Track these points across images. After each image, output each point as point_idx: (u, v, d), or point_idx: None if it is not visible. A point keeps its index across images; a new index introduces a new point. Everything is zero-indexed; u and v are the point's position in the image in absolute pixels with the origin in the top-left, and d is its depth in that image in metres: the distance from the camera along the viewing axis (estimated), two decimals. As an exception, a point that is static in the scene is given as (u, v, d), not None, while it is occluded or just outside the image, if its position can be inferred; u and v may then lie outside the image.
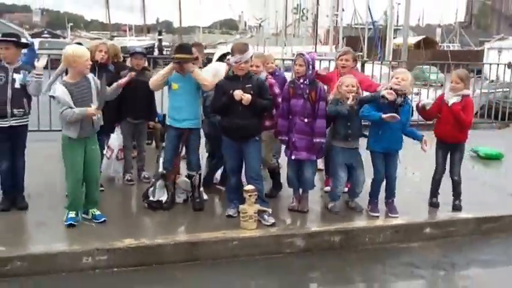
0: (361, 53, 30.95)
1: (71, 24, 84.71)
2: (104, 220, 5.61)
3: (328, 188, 6.80)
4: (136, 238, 5.27)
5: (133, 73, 6.27)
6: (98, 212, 5.65)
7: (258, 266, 5.31)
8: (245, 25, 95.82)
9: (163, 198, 6.08)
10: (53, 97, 5.38)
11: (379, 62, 15.80)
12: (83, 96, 5.37)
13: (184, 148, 6.29)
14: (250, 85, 5.71)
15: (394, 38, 30.35)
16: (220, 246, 5.40)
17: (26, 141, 6.00)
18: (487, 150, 9.22)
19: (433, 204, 6.55)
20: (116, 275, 5.00)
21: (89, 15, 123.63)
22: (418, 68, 21.62)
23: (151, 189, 6.14)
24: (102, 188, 6.50)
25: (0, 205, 5.89)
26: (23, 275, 4.81)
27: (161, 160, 6.27)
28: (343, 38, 44.49)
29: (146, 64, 7.30)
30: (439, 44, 50.94)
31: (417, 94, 12.93)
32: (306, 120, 6.00)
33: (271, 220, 5.80)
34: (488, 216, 6.40)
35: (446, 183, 6.62)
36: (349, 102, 5.89)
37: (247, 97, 5.56)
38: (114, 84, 5.84)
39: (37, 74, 5.66)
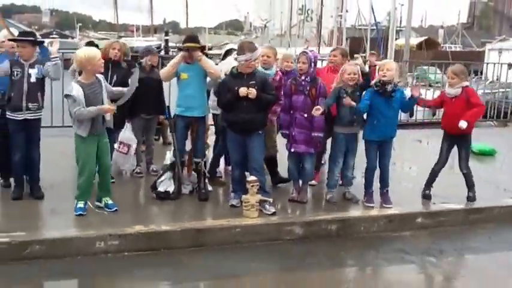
0: (363, 54, 31.18)
1: (80, 24, 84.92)
2: (116, 209, 5.94)
3: (315, 182, 7.15)
4: (146, 225, 5.60)
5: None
6: (110, 202, 5.98)
7: (259, 251, 5.62)
8: (250, 26, 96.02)
9: (171, 189, 6.41)
10: (68, 96, 5.67)
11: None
12: (95, 96, 5.70)
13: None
14: (253, 82, 6.01)
15: (396, 39, 30.52)
16: (225, 233, 5.73)
17: (39, 134, 6.34)
18: (481, 147, 9.50)
19: (426, 196, 6.85)
20: (126, 259, 5.31)
21: (97, 16, 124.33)
22: (419, 68, 21.87)
23: (159, 180, 6.47)
24: (113, 180, 6.83)
25: (12, 194, 6.24)
26: (41, 258, 5.13)
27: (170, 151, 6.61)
28: (346, 39, 44.70)
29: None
30: (441, 45, 51.05)
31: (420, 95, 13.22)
32: (305, 115, 6.30)
33: (272, 209, 6.11)
34: (476, 208, 6.72)
35: (442, 176, 6.96)
36: (334, 84, 6.37)
37: (253, 91, 5.86)
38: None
39: (53, 57, 6.04)
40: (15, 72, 5.98)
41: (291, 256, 5.57)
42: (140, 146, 7.48)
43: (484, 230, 6.50)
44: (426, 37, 48.39)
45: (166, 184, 6.44)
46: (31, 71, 6.02)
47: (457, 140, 6.68)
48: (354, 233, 6.16)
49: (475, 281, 5.27)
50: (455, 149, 6.83)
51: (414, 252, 5.74)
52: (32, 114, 6.08)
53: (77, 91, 5.60)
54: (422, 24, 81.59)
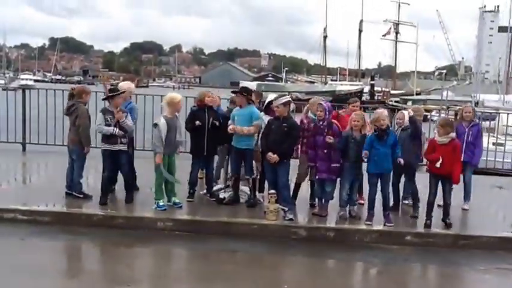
0: None
1: (287, 68, 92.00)
2: (181, 206, 8.89)
3: (362, 201, 9.32)
4: (193, 216, 8.50)
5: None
6: (177, 200, 8.94)
7: (267, 241, 8.11)
8: (465, 71, 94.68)
9: (225, 195, 9.22)
10: (156, 125, 8.77)
11: None
12: (173, 128, 8.73)
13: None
14: (285, 124, 8.57)
15: None
16: (245, 227, 8.36)
17: (127, 160, 9.19)
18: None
19: (426, 225, 8.56)
20: (176, 235, 8.23)
21: (311, 60, 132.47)
22: None
23: (220, 191, 9.37)
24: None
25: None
26: (123, 228, 8.31)
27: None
28: None
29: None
30: None
31: None
32: (325, 151, 8.65)
33: (290, 216, 8.53)
34: (464, 234, 8.39)
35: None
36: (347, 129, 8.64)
37: (273, 158, 8.44)
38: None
39: (122, 121, 8.77)
40: (108, 119, 8.83)
41: (288, 247, 7.96)
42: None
43: (466, 253, 8.10)
44: None
45: (224, 193, 9.28)
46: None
47: (441, 177, 8.46)
48: (349, 240, 8.30)
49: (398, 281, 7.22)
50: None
51: (382, 257, 7.73)
52: (121, 147, 8.95)
53: (162, 123, 8.69)
54: None
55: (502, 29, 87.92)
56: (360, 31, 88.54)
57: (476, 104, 40.59)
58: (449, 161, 8.32)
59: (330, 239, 8.31)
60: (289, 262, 7.60)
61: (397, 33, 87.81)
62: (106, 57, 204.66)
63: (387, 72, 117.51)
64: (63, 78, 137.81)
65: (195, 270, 7.18)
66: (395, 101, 61.09)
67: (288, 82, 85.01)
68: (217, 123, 9.23)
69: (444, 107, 28.95)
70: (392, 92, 74.96)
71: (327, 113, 8.68)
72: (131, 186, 9.35)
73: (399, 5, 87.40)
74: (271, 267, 7.30)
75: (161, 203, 8.81)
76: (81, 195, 9.19)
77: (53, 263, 7.25)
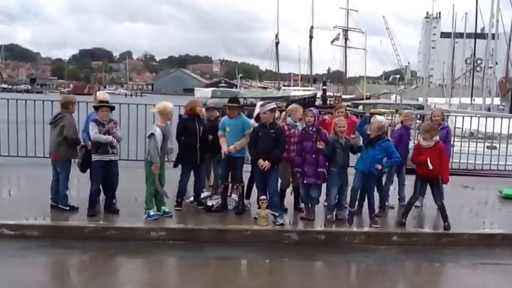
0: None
1: (241, 75, 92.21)
2: (171, 215, 8.87)
3: (346, 205, 9.44)
4: (186, 224, 8.48)
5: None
6: (167, 209, 8.92)
7: (260, 247, 8.18)
8: (411, 75, 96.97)
9: (214, 203, 9.24)
10: (152, 135, 8.72)
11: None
12: (167, 137, 8.77)
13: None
14: (272, 131, 8.67)
15: None
16: (238, 234, 8.41)
17: (117, 169, 9.09)
18: (508, 191, 11.11)
19: (401, 223, 8.87)
20: (170, 245, 8.19)
21: (263, 66, 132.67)
22: None
23: (207, 198, 9.37)
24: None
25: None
26: (115, 239, 8.20)
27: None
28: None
29: (218, 114, 10.24)
30: None
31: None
32: (313, 156, 8.79)
33: (281, 221, 8.63)
34: (445, 232, 8.65)
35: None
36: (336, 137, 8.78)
37: (265, 164, 8.52)
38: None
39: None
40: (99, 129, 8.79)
41: (282, 251, 8.04)
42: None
43: (449, 250, 8.40)
44: None
45: (212, 201, 9.30)
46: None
47: (428, 180, 8.73)
48: (339, 243, 8.46)
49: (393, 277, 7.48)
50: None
51: (373, 258, 7.92)
52: (114, 156, 9.01)
53: (158, 132, 8.65)
54: None
55: (444, 35, 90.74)
56: (311, 37, 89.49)
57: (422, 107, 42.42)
58: (437, 164, 8.58)
59: (321, 242, 8.45)
60: (287, 266, 7.67)
61: (346, 39, 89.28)
62: (54, 65, 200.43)
63: (337, 77, 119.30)
64: (10, 87, 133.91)
65: (198, 279, 7.06)
66: (347, 105, 62.00)
67: (242, 88, 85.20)
68: (210, 137, 9.34)
69: (393, 110, 29.89)
70: (344, 96, 75.92)
71: (316, 118, 8.82)
72: (114, 197, 9.29)
73: (348, 12, 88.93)
74: (271, 272, 7.38)
75: (152, 213, 8.78)
76: (67, 208, 9.05)
77: (47, 279, 7.24)
